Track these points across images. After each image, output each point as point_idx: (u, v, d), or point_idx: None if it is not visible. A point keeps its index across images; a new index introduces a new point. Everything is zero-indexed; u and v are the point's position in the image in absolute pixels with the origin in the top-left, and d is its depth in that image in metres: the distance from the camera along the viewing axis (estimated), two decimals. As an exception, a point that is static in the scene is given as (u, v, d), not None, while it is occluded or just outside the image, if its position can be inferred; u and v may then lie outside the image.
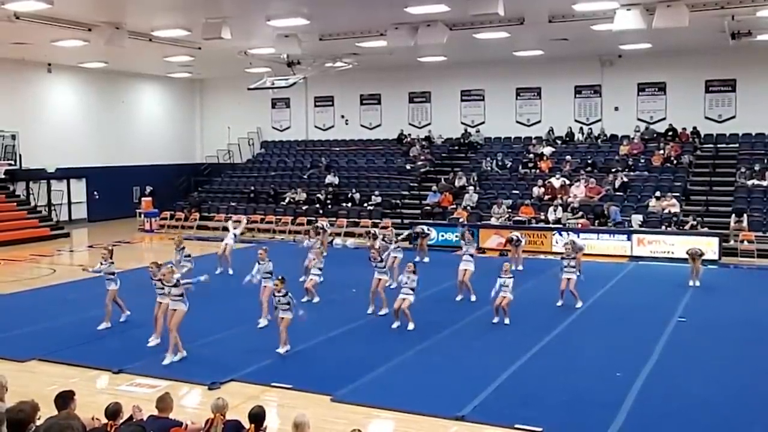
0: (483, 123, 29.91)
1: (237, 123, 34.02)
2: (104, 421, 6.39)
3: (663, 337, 12.30)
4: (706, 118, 26.34)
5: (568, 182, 24.52)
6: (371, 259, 14.31)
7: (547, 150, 27.04)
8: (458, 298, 15.20)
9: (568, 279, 14.57)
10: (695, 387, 9.88)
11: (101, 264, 13.32)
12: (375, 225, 24.86)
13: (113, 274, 13.17)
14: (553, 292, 15.06)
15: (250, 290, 13.39)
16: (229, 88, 33.13)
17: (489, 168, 27.30)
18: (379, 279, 14.09)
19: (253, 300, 13.37)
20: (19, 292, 16.61)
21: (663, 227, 21.42)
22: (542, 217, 23.05)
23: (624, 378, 10.09)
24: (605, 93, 27.85)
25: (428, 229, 21.05)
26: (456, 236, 20.17)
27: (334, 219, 25.60)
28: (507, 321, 13.24)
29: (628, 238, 21.11)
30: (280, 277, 11.59)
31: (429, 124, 31.00)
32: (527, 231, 21.22)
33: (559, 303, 14.63)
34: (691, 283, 16.63)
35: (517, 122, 29.32)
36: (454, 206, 24.92)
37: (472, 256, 15.46)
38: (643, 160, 25.37)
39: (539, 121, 28.86)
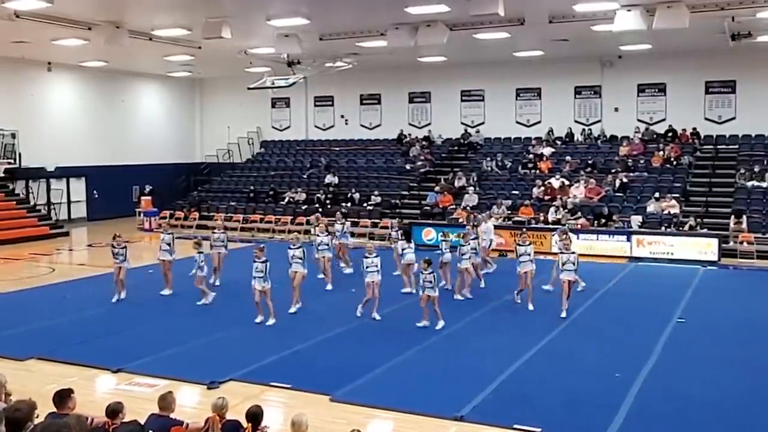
0: (483, 123, 29.90)
1: (237, 122, 34.02)
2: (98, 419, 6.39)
3: (662, 337, 12.29)
4: (706, 119, 26.34)
5: (567, 183, 24.51)
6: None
7: (547, 150, 27.03)
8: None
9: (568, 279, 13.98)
10: (694, 388, 9.87)
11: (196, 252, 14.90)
12: (375, 225, 24.89)
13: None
14: (552, 294, 15.06)
15: (249, 290, 13.32)
16: (229, 88, 33.10)
17: (489, 168, 27.29)
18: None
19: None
20: (18, 290, 16.60)
21: (662, 228, 21.41)
22: (542, 218, 23.03)
23: (623, 379, 10.08)
24: (605, 94, 27.84)
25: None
26: (456, 236, 20.16)
27: (333, 219, 25.53)
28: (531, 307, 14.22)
29: (628, 239, 21.08)
30: (426, 258, 12.88)
31: (429, 124, 30.99)
32: (527, 231, 21.11)
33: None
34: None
35: (517, 123, 29.31)
36: (454, 206, 24.91)
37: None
38: (642, 161, 25.35)
39: (539, 122, 28.85)
